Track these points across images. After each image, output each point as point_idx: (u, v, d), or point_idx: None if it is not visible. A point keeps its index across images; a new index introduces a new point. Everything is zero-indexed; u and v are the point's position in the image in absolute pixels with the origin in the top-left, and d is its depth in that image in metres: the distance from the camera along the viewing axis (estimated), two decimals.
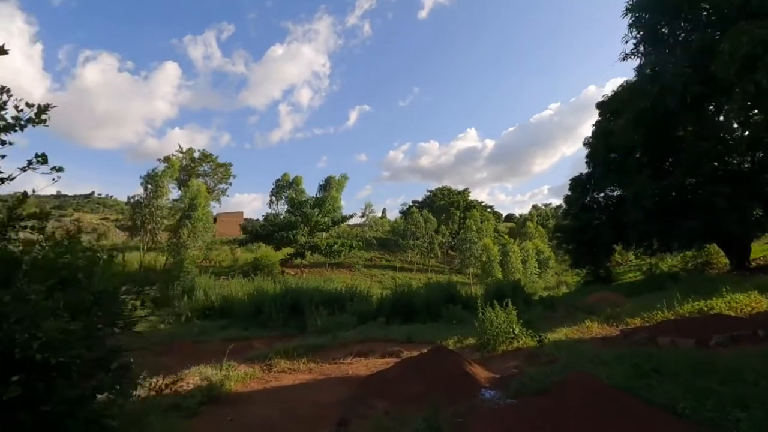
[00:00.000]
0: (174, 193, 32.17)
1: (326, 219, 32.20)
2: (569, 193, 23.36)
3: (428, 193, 62.89)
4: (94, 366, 2.29)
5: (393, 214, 64.74)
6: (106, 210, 76.54)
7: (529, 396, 4.02)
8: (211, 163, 48.13)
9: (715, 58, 10.75)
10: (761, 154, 14.08)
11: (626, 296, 13.36)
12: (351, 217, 38.28)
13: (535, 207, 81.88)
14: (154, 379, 2.84)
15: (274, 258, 28.60)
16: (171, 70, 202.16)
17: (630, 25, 15.23)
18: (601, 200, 22.29)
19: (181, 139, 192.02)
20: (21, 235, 2.50)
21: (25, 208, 2.46)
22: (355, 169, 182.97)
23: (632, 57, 15.93)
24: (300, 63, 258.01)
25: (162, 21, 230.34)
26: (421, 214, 45.15)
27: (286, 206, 35.42)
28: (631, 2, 15.15)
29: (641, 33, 15.18)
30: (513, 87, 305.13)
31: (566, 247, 25.41)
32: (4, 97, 2.39)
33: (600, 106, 21.35)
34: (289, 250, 30.32)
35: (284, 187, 37.65)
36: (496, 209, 76.34)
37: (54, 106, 2.50)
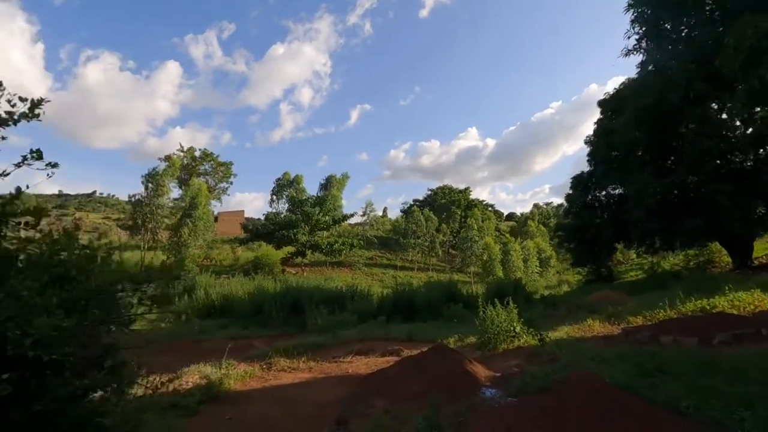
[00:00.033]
0: (175, 192, 32.24)
1: (327, 218, 32.17)
2: (570, 192, 23.30)
3: (429, 192, 62.94)
4: (89, 364, 2.27)
5: (394, 213, 64.71)
6: (108, 209, 76.71)
7: (530, 395, 3.99)
8: (212, 162, 48.19)
9: (720, 52, 10.61)
10: (764, 152, 13.99)
11: (628, 295, 13.30)
12: (352, 215, 38.27)
13: (536, 206, 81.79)
14: (151, 378, 2.81)
15: (274, 257, 28.63)
16: (172, 69, 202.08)
17: (632, 21, 15.11)
18: (603, 198, 22.23)
19: (183, 139, 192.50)
20: (15, 232, 2.47)
21: (19, 205, 2.43)
22: (356, 169, 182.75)
23: (634, 53, 15.83)
24: (301, 62, 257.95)
25: (163, 20, 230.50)
26: (422, 213, 45.10)
27: (286, 205, 35.43)
28: None
29: (644, 29, 15.06)
30: (514, 86, 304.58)
31: (568, 246, 25.35)
32: None
33: (602, 103, 21.28)
34: (289, 248, 30.32)
35: (285, 185, 37.69)
36: (497, 208, 76.36)
37: (48, 101, 2.46)
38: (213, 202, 41.08)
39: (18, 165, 2.53)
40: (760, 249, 17.53)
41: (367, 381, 5.49)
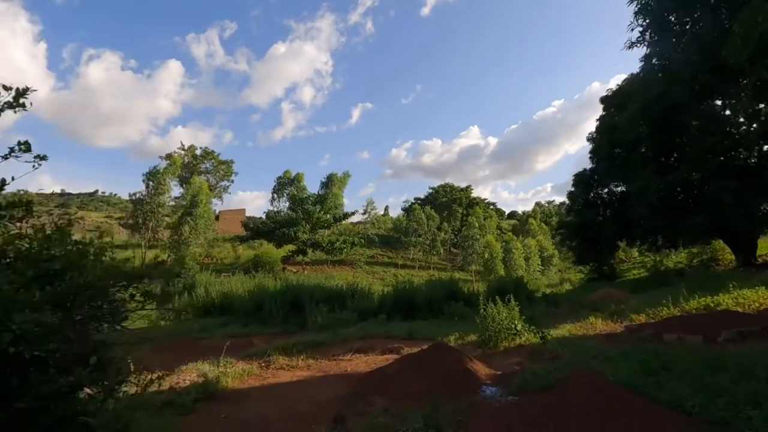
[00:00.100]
0: (176, 190, 32.29)
1: (328, 216, 32.11)
2: (573, 189, 23.18)
3: (431, 191, 62.82)
4: (77, 361, 2.20)
5: (395, 212, 64.59)
6: (110, 208, 76.98)
7: (531, 393, 3.92)
8: (212, 161, 48.23)
9: (726, 42, 10.34)
10: None
11: (631, 293, 13.21)
12: (353, 214, 38.16)
13: (538, 204, 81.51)
14: (144, 375, 2.74)
15: (275, 255, 28.60)
16: (174, 68, 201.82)
17: (636, 13, 14.82)
18: (605, 196, 22.12)
19: (184, 138, 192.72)
20: (1, 226, 2.41)
21: (3, 198, 2.37)
22: (358, 167, 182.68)
23: (638, 45, 15.53)
24: (302, 61, 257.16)
25: (165, 19, 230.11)
26: (424, 211, 45.04)
27: (287, 203, 35.40)
28: None
29: (648, 20, 14.75)
30: (516, 84, 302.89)
31: (570, 244, 25.25)
32: None
33: (604, 100, 21.14)
34: (290, 247, 30.29)
35: (286, 184, 37.68)
36: (498, 207, 76.20)
37: (34, 90, 2.39)
38: (214, 200, 41.17)
39: (5, 157, 2.47)
40: (764, 246, 17.37)
41: (366, 379, 5.43)
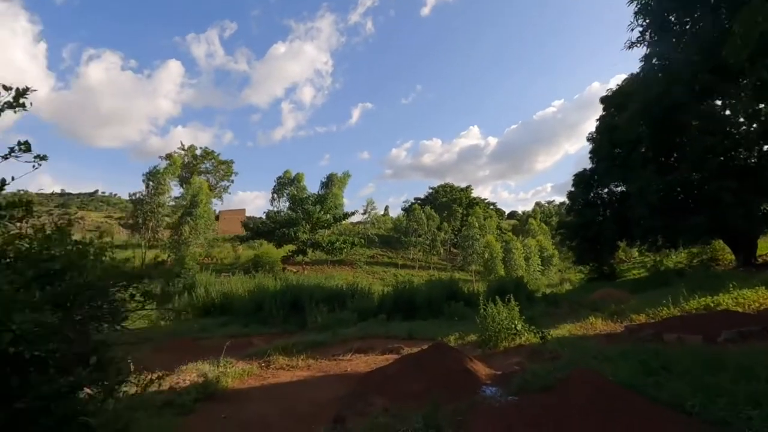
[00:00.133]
0: (176, 190, 32.29)
1: (328, 216, 32.11)
2: (573, 189, 23.18)
3: (431, 191, 62.80)
4: (77, 361, 2.20)
5: (395, 212, 64.59)
6: (110, 208, 76.96)
7: (531, 393, 3.92)
8: (212, 161, 48.22)
9: (726, 42, 10.34)
10: None
11: (631, 293, 13.21)
12: (353, 214, 38.15)
13: (538, 204, 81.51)
14: (143, 375, 2.74)
15: (275, 255, 28.59)
16: (174, 68, 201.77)
17: (636, 13, 14.81)
18: (605, 196, 22.12)
19: (184, 138, 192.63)
20: (1, 226, 2.41)
21: (3, 197, 2.37)
22: (358, 167, 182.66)
23: (638, 45, 15.53)
24: (302, 61, 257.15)
25: (165, 19, 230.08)
26: (424, 211, 45.03)
27: (287, 203, 35.40)
28: None
29: (648, 20, 14.74)
30: (516, 84, 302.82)
31: (570, 244, 25.26)
32: None
33: (604, 100, 21.14)
34: (290, 247, 30.28)
35: (286, 184, 37.68)
36: (498, 207, 76.19)
37: (34, 90, 2.40)
38: (214, 200, 41.17)
39: (5, 157, 2.47)
40: (764, 246, 17.38)
41: (366, 379, 5.43)
